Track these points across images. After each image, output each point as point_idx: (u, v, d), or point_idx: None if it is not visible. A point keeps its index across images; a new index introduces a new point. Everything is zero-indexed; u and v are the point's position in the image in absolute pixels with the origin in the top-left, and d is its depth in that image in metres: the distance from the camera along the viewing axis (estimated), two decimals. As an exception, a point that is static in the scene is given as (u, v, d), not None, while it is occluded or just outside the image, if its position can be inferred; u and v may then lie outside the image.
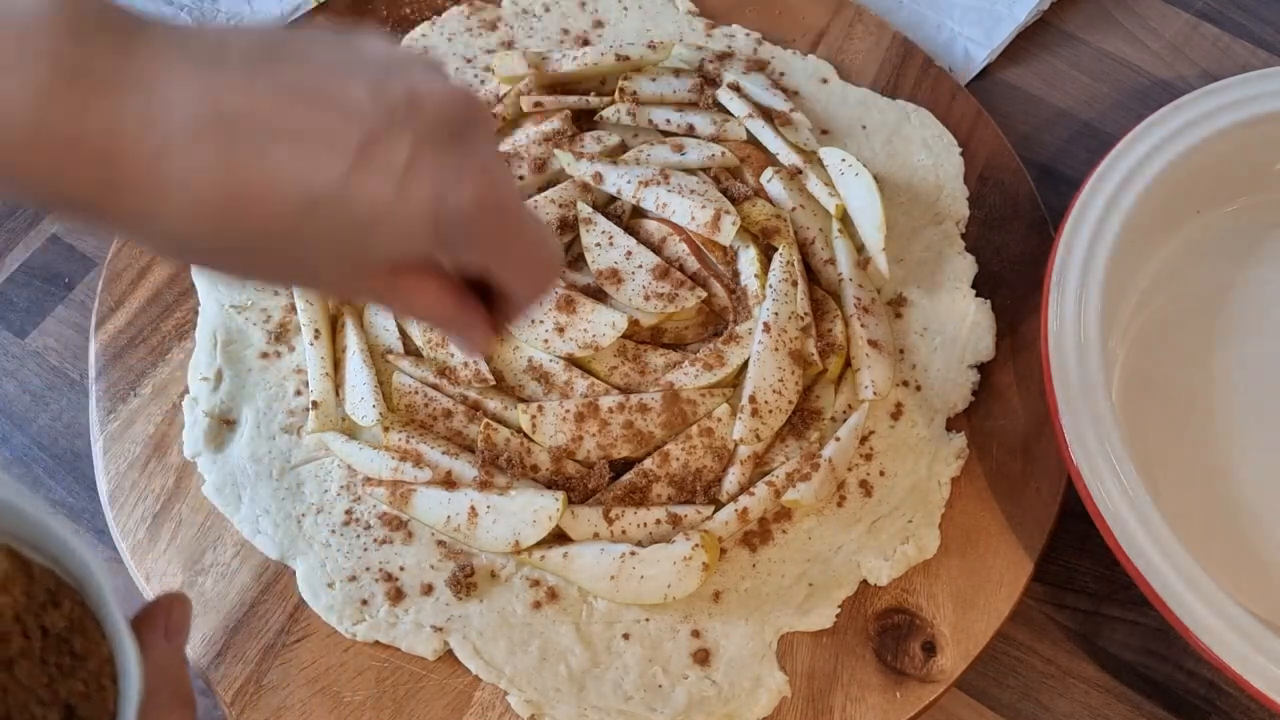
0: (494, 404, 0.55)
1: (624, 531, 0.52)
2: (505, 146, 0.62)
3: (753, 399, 0.54)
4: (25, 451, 0.59)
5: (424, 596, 0.51)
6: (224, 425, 0.55)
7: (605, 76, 0.65)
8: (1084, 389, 0.51)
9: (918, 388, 0.57)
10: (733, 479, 0.53)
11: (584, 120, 0.65)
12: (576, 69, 0.63)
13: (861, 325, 0.57)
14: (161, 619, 0.37)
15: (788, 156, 0.62)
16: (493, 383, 0.55)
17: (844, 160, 0.61)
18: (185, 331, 0.58)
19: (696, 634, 0.51)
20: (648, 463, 0.54)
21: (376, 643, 0.50)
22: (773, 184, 0.61)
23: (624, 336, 0.55)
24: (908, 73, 0.68)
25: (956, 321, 0.59)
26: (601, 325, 0.55)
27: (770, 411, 0.54)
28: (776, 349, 0.55)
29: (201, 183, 0.29)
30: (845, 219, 0.61)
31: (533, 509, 0.51)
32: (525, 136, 0.62)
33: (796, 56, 0.68)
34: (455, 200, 0.31)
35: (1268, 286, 0.61)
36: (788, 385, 0.55)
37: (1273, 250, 0.62)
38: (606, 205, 0.61)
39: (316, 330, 0.56)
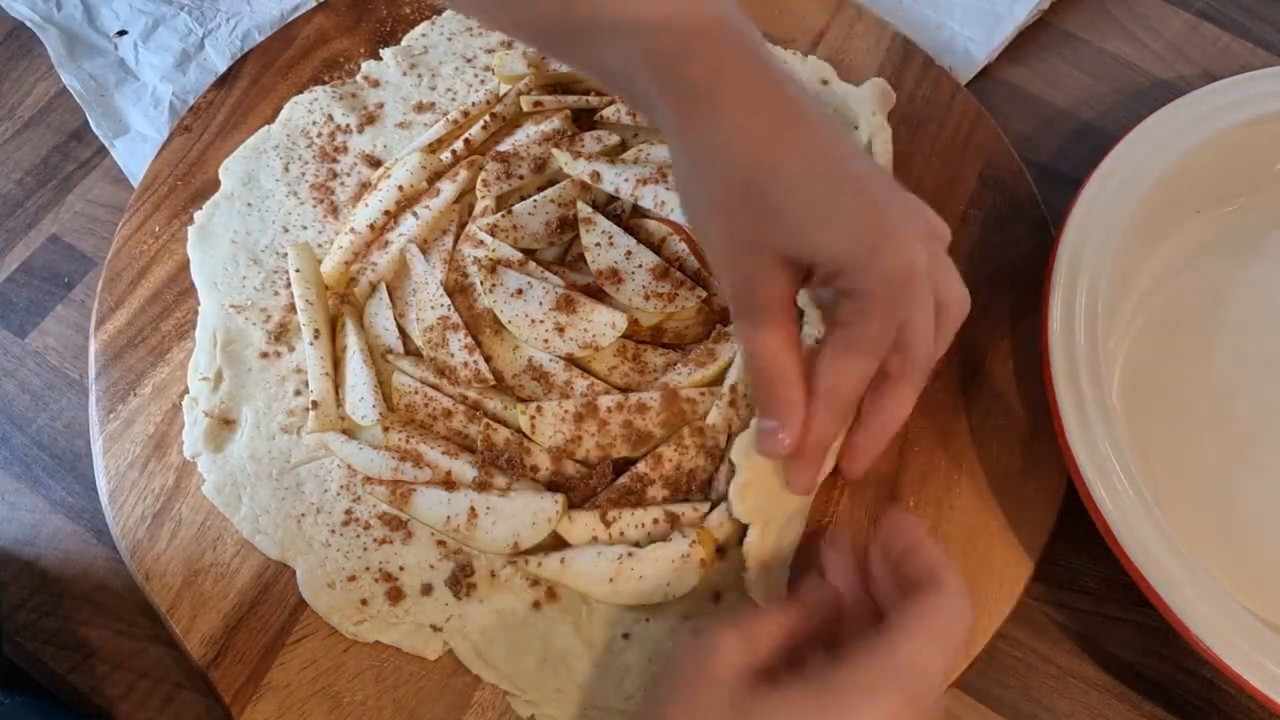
0: (494, 404, 0.55)
1: (622, 534, 0.52)
2: (505, 146, 0.62)
3: (733, 389, 0.54)
4: (25, 451, 0.59)
5: (424, 596, 0.51)
6: (224, 425, 0.55)
7: (605, 76, 0.65)
8: (1084, 389, 0.51)
9: None
10: (723, 477, 0.53)
11: (584, 120, 0.64)
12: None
13: None
14: None
15: None
16: (492, 383, 0.55)
17: None
18: (185, 331, 0.58)
19: (696, 634, 0.51)
20: (641, 466, 0.53)
21: (376, 643, 0.50)
22: None
23: (624, 336, 0.55)
24: (908, 73, 0.68)
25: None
26: (601, 325, 0.55)
27: (749, 406, 0.54)
28: None
29: None
30: None
31: (532, 511, 0.51)
32: (525, 136, 0.62)
33: (796, 57, 0.68)
34: None
35: (1268, 286, 0.61)
36: None
37: (1273, 250, 0.62)
38: (606, 205, 0.61)
39: (316, 330, 0.56)
